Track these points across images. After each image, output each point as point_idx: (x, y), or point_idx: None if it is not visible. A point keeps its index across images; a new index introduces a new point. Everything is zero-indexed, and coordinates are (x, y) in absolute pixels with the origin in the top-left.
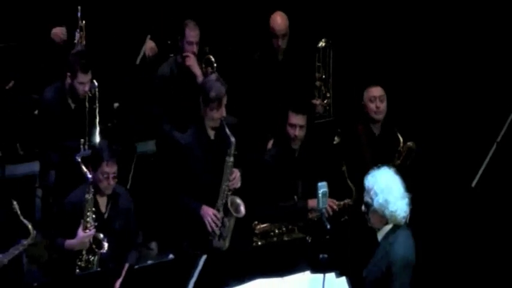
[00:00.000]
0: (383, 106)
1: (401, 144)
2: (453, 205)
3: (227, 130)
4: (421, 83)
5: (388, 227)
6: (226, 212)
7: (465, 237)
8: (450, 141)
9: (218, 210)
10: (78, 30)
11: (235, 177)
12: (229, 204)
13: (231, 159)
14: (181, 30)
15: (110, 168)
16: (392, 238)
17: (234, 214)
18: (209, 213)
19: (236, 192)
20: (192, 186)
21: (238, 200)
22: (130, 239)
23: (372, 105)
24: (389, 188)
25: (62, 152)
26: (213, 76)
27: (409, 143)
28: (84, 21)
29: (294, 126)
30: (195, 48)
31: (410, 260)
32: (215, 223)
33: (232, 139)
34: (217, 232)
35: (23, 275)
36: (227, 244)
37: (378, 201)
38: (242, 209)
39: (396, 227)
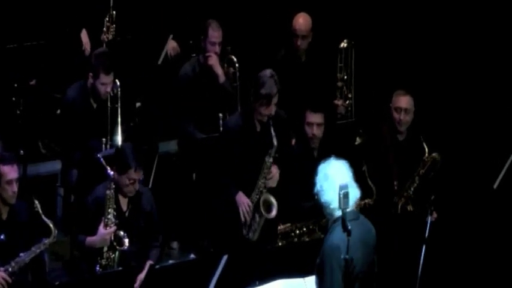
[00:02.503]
0: (407, 118)
1: (427, 154)
2: (475, 206)
3: (272, 132)
4: (442, 85)
5: (333, 218)
6: (257, 209)
7: (487, 238)
8: (472, 143)
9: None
10: (106, 18)
11: (273, 177)
12: (261, 202)
13: (271, 159)
14: (204, 30)
15: (137, 175)
16: (332, 228)
17: (264, 213)
18: (244, 202)
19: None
20: (230, 169)
21: (273, 200)
22: (152, 238)
23: (396, 115)
24: (326, 176)
25: (84, 151)
26: (268, 72)
27: (434, 154)
28: (114, 12)
29: (311, 124)
30: (217, 49)
31: (339, 249)
32: (248, 213)
33: (275, 142)
34: (248, 222)
35: (45, 273)
36: (256, 237)
37: (316, 188)
38: (274, 210)
39: (338, 219)
